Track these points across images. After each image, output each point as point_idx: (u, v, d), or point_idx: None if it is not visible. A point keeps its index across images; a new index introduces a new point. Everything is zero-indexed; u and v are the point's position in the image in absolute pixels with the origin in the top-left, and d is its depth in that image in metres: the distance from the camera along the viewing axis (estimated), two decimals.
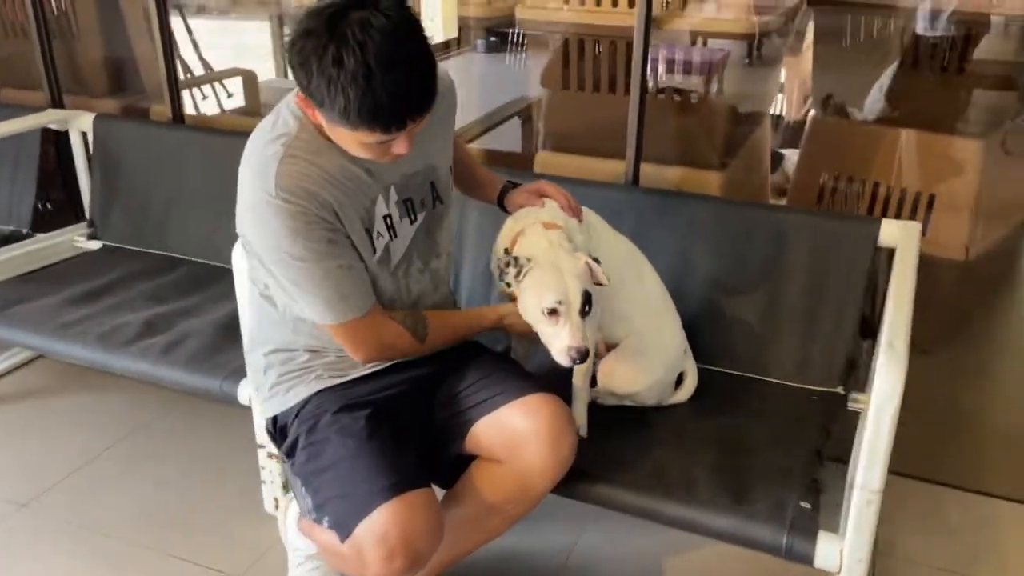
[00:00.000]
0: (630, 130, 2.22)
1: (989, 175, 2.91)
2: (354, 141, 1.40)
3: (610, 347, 1.83)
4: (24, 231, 2.82)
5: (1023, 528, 2.08)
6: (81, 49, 3.31)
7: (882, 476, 1.42)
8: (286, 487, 1.97)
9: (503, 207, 1.80)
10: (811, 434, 1.79)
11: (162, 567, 1.98)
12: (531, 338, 1.67)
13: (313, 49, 1.30)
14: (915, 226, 1.90)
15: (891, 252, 1.88)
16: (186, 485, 2.25)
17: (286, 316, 1.59)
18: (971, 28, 3.11)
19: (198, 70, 4.01)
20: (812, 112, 3.51)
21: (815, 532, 1.51)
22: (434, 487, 1.55)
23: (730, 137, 2.82)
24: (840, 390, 1.94)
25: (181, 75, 3.11)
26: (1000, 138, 3.01)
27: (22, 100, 3.04)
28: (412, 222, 1.60)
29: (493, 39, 4.68)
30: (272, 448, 1.92)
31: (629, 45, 2.23)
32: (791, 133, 3.64)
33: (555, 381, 1.68)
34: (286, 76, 4.42)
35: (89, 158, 2.80)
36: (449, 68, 1.53)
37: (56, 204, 3.06)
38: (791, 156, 3.43)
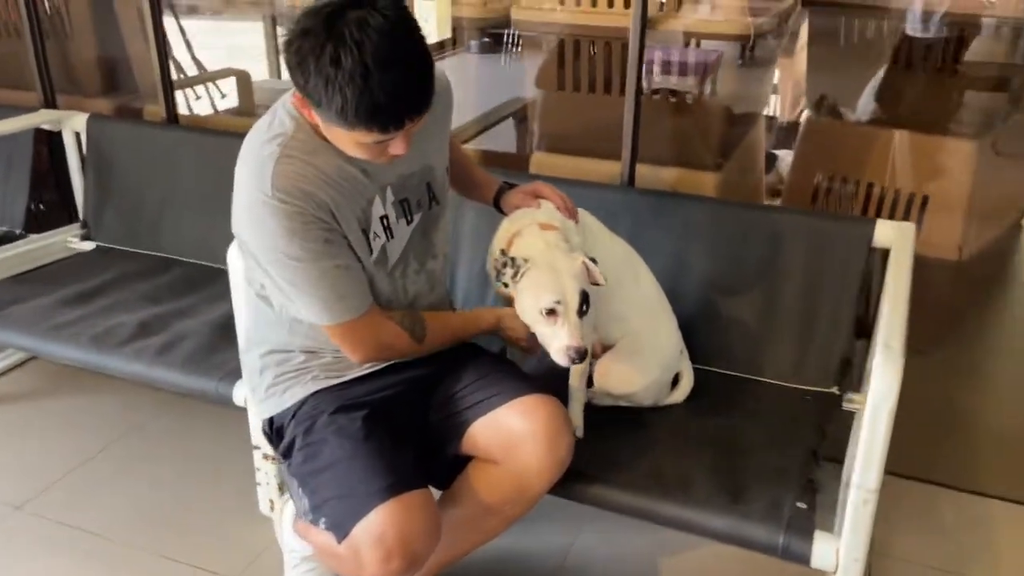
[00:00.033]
0: (626, 131, 2.22)
1: (982, 176, 2.93)
2: (351, 141, 1.40)
3: (606, 348, 1.83)
4: (17, 232, 2.80)
5: (1017, 527, 2.08)
6: (74, 49, 3.30)
7: (878, 476, 1.42)
8: (282, 489, 1.96)
9: (499, 208, 1.80)
10: (806, 434, 1.80)
11: (157, 569, 1.98)
12: (523, 347, 1.67)
13: (310, 49, 1.29)
14: (910, 227, 1.90)
15: (885, 252, 1.88)
16: (181, 486, 2.24)
17: (282, 317, 1.59)
18: (963, 30, 3.13)
19: (191, 70, 4.00)
20: (806, 113, 3.53)
21: (811, 532, 1.51)
22: (431, 488, 1.54)
23: (725, 138, 2.83)
24: (835, 390, 1.94)
25: (175, 75, 3.10)
26: (992, 139, 3.03)
27: (15, 100, 3.03)
28: (408, 223, 1.60)
29: (486, 40, 4.68)
30: (268, 449, 1.91)
31: (624, 46, 2.23)
32: (785, 134, 3.65)
33: (551, 382, 1.68)
34: (279, 76, 4.43)
35: (82, 158, 2.79)
36: (443, 69, 1.53)
37: (49, 205, 3.05)
38: (785, 157, 3.44)
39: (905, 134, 2.95)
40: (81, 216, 2.79)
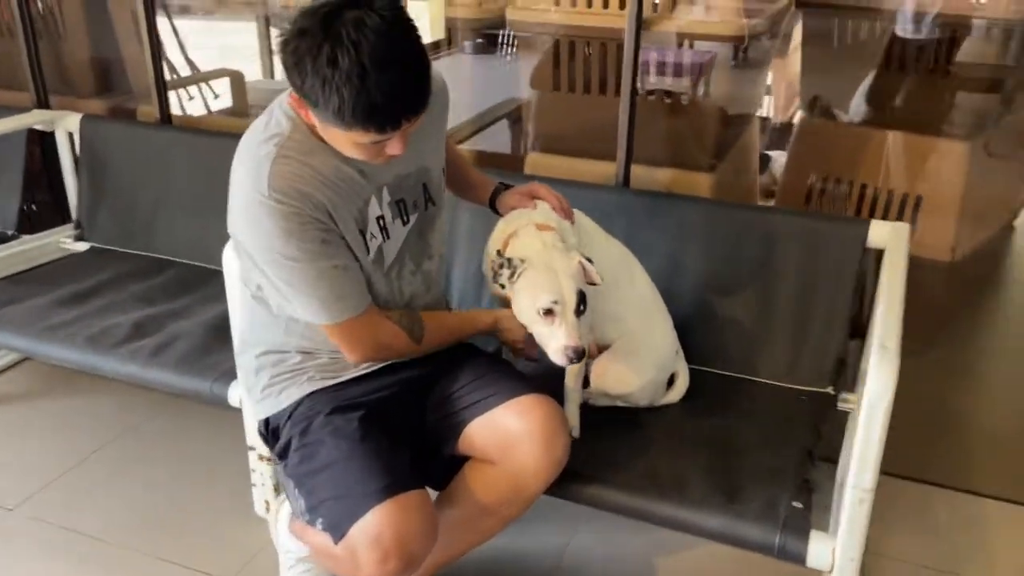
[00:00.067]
0: (621, 132, 2.22)
1: (974, 177, 2.94)
2: (348, 141, 1.39)
3: (602, 348, 1.83)
4: (10, 233, 2.79)
5: (1011, 527, 2.09)
6: (67, 49, 3.29)
7: (874, 475, 1.42)
8: (277, 490, 1.96)
9: (495, 209, 1.80)
10: (802, 434, 1.80)
11: (151, 570, 1.97)
12: (518, 349, 1.67)
13: (307, 49, 1.29)
14: (904, 227, 1.91)
15: (879, 253, 1.89)
16: (175, 488, 2.23)
17: (278, 318, 1.59)
18: (955, 31, 3.14)
19: (184, 71, 3.99)
20: (799, 114, 3.54)
21: (807, 531, 1.52)
22: (427, 489, 1.54)
23: (719, 139, 2.83)
24: (830, 390, 1.95)
25: (168, 76, 3.09)
26: (984, 140, 3.04)
27: (8, 101, 3.01)
28: (404, 223, 1.59)
29: (480, 40, 4.68)
30: (263, 450, 1.91)
31: (619, 47, 2.24)
32: (778, 135, 3.66)
33: (548, 382, 1.68)
34: (272, 77, 4.42)
35: (76, 159, 2.78)
36: (439, 69, 1.53)
37: (42, 205, 3.04)
38: (778, 158, 3.45)
39: (898, 135, 2.96)
40: (74, 217, 2.79)
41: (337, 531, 1.46)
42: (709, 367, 2.02)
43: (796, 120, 3.56)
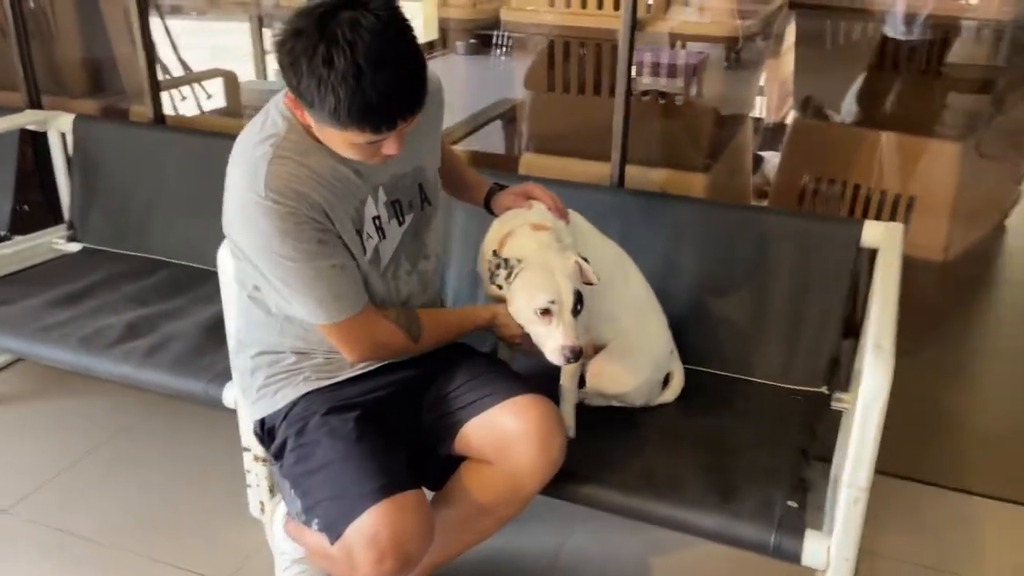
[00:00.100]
0: (615, 132, 2.23)
1: (966, 177, 2.96)
2: (343, 142, 1.39)
3: (598, 348, 1.83)
4: (2, 233, 2.78)
5: (1003, 525, 2.10)
6: (60, 49, 3.28)
7: (869, 474, 1.43)
8: (272, 490, 1.96)
9: (489, 209, 1.80)
10: (796, 433, 1.81)
11: (146, 572, 1.97)
12: (517, 344, 1.67)
13: (303, 49, 1.29)
14: (898, 227, 1.92)
15: (873, 253, 1.90)
16: (170, 489, 2.23)
17: (274, 318, 1.58)
18: (947, 32, 3.15)
19: (177, 71, 3.98)
20: (792, 115, 3.55)
21: (802, 530, 1.52)
22: (424, 489, 1.54)
23: (713, 139, 2.84)
24: (824, 390, 1.96)
25: (161, 76, 3.08)
26: (976, 141, 3.05)
27: (0, 101, 3.00)
28: (400, 224, 1.59)
29: (474, 41, 4.68)
30: (259, 451, 1.91)
31: (613, 47, 2.24)
32: (771, 136, 3.67)
33: (544, 382, 1.68)
34: (265, 77, 4.41)
35: (68, 159, 2.77)
36: (434, 69, 1.53)
37: (34, 206, 3.02)
38: (771, 158, 3.46)
39: (891, 135, 2.97)
40: (67, 217, 2.78)
41: (333, 531, 1.46)
42: (704, 367, 2.02)
43: (789, 121, 3.57)
